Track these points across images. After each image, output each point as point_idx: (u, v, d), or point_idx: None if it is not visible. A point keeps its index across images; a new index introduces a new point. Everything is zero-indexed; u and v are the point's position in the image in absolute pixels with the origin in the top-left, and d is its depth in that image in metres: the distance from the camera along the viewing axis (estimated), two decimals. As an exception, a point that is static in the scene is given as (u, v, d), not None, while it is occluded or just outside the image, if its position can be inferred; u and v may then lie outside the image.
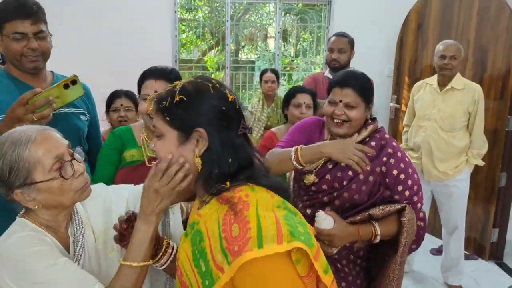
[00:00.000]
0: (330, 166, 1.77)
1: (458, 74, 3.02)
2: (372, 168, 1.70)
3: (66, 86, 1.47)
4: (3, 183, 1.10)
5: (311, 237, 0.98)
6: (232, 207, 1.00)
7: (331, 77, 3.24)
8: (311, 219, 1.67)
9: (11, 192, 1.11)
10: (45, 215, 1.19)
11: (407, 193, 1.72)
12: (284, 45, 6.89)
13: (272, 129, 2.82)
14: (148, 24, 4.29)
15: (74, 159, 1.16)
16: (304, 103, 2.63)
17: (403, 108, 4.05)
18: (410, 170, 1.74)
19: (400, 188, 1.71)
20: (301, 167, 1.69)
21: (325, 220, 1.64)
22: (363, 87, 1.76)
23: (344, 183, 1.75)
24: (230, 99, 1.07)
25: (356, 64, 3.24)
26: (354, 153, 1.55)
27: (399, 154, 1.74)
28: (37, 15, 1.61)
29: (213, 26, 5.62)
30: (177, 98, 1.04)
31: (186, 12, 6.53)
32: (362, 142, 1.75)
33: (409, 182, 1.73)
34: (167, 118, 1.05)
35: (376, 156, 1.72)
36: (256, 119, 4.17)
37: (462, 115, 2.99)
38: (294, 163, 1.67)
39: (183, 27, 6.96)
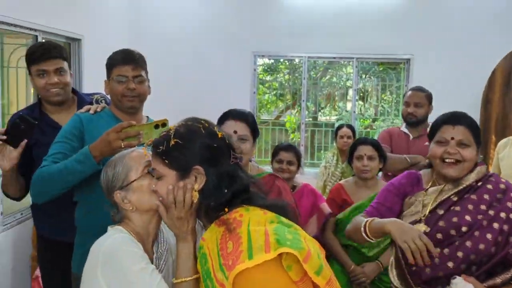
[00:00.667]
0: (441, 212, 1.63)
1: None
2: (495, 214, 1.56)
3: (156, 127, 1.64)
4: (107, 187, 1.31)
5: (300, 242, 1.04)
6: (227, 227, 1.10)
7: (407, 131, 3.16)
8: (438, 281, 1.56)
9: (112, 194, 1.29)
10: (138, 221, 1.32)
11: None
12: (363, 105, 6.89)
13: (341, 182, 2.79)
14: (229, 82, 4.60)
15: None
16: (365, 154, 2.58)
17: (489, 168, 3.79)
18: None
19: None
20: (372, 240, 1.63)
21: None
22: (474, 125, 1.68)
23: (463, 229, 1.58)
24: (219, 136, 1.19)
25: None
26: (415, 240, 1.42)
27: None
28: (138, 62, 1.85)
29: (291, 87, 5.83)
30: (172, 142, 1.15)
31: (267, 75, 6.87)
32: (473, 186, 1.64)
33: None
34: (166, 161, 1.16)
35: (496, 201, 1.59)
36: (330, 174, 4.13)
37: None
38: (364, 235, 1.62)
39: (264, 89, 7.29)
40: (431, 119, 3.14)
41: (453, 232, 1.58)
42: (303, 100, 4.98)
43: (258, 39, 4.77)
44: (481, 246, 1.53)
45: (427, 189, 1.71)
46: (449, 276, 1.52)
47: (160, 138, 1.21)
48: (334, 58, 5.04)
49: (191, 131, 1.19)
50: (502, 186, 1.63)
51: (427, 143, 2.96)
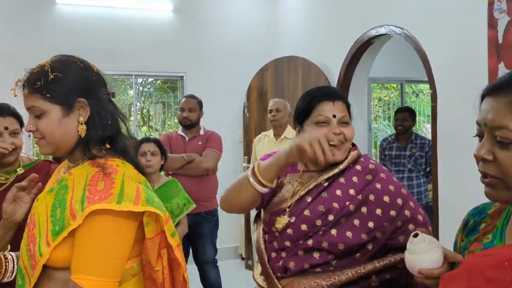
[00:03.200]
0: (309, 199, 1.42)
1: (289, 126, 3.59)
2: (364, 197, 1.39)
3: None
4: None
5: (163, 207, 1.14)
6: (103, 169, 1.11)
7: (183, 134, 3.56)
8: (297, 274, 1.36)
9: None
10: None
11: (407, 212, 1.39)
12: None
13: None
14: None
15: None
16: (149, 151, 2.83)
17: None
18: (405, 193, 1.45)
19: (407, 212, 1.39)
20: (266, 188, 1.38)
21: (431, 250, 1.00)
22: (347, 100, 1.51)
23: (330, 218, 1.37)
24: (95, 70, 1.21)
25: (211, 129, 3.63)
26: (320, 140, 1.25)
27: (394, 178, 1.48)
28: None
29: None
30: (52, 76, 1.12)
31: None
32: (346, 169, 1.45)
33: (411, 204, 1.42)
34: (47, 96, 1.12)
35: (366, 183, 1.42)
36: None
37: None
38: (255, 184, 1.37)
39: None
40: (202, 123, 3.65)
41: (318, 222, 1.38)
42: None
43: (30, 55, 4.53)
44: (348, 234, 1.34)
45: (302, 172, 1.49)
46: (315, 266, 1.36)
47: (34, 74, 1.14)
48: (113, 75, 5.21)
49: (68, 64, 1.17)
50: (371, 166, 1.46)
51: (200, 142, 3.46)
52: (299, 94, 4.24)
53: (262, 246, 1.50)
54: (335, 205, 1.37)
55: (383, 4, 3.56)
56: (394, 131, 4.71)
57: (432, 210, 3.21)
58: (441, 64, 3.01)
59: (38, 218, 1.14)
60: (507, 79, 0.84)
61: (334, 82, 4.04)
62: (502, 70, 2.47)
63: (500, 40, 2.50)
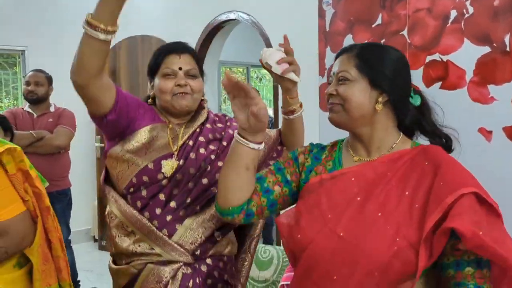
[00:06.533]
0: (191, 143, 1.51)
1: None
2: (227, 144, 1.53)
3: None
4: None
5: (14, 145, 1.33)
6: None
7: (31, 111, 3.35)
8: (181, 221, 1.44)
9: None
10: None
11: None
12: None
13: None
14: None
15: None
16: None
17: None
18: None
19: None
20: (110, 35, 1.21)
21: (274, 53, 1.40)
22: (196, 54, 1.60)
23: (212, 157, 1.51)
24: None
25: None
26: None
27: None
28: None
29: None
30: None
31: None
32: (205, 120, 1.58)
33: None
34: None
35: (222, 130, 1.59)
36: None
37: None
38: (93, 32, 1.19)
39: None
40: (53, 99, 3.47)
41: (202, 164, 1.49)
42: None
43: None
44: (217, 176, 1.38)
45: (170, 123, 1.53)
46: (180, 220, 1.45)
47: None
48: None
49: None
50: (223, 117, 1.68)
51: (50, 119, 3.30)
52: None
53: (135, 212, 1.46)
54: (212, 147, 1.53)
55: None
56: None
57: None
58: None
59: None
60: (348, 46, 1.22)
61: (187, 63, 4.22)
62: (329, 54, 2.97)
63: (327, 28, 3.00)
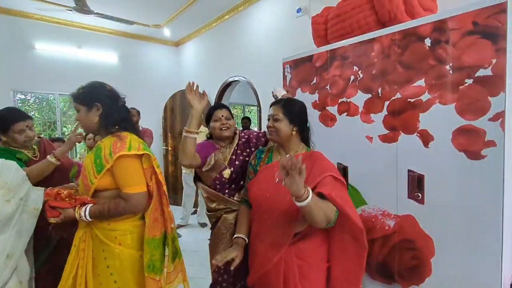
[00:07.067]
0: (234, 157, 2.21)
1: None
2: (248, 155, 2.26)
3: None
4: None
5: (152, 152, 1.77)
6: (119, 137, 1.74)
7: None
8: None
9: None
10: None
11: None
12: None
13: None
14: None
15: None
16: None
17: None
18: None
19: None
20: (195, 135, 1.97)
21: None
22: (227, 107, 2.34)
23: (246, 159, 2.23)
24: (108, 88, 1.82)
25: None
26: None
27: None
28: None
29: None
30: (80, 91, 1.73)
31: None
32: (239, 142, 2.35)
33: None
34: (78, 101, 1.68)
35: (248, 147, 2.30)
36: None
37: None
38: (190, 134, 1.94)
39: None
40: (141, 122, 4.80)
41: (242, 167, 2.23)
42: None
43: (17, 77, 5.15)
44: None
45: (221, 148, 2.25)
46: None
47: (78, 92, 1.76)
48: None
49: (92, 84, 1.76)
50: (248, 136, 2.33)
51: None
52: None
53: (214, 191, 2.20)
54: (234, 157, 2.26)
55: (236, 63, 5.40)
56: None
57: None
58: (263, 94, 4.80)
59: (86, 167, 1.75)
60: (277, 100, 1.77)
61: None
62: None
63: (287, 85, 3.40)
